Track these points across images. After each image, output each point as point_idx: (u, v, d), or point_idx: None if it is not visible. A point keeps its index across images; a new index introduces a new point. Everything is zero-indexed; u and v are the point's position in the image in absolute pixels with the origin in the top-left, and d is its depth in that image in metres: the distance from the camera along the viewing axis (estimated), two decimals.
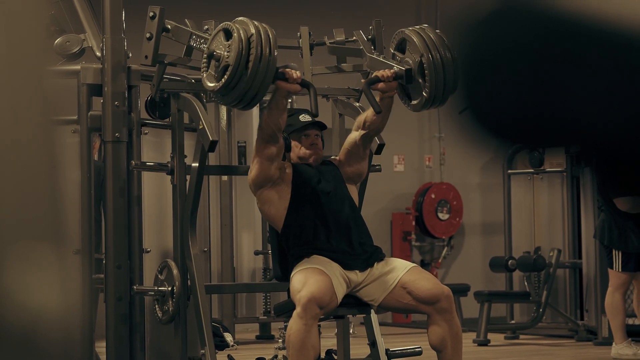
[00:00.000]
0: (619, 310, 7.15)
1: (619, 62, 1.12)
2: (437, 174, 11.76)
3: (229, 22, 4.27)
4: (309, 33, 5.04)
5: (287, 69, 4.38)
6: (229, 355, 6.93)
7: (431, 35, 4.54)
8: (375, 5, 11.21)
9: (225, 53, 4.21)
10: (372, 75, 4.55)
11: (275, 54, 4.22)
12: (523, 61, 1.14)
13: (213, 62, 4.27)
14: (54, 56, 4.91)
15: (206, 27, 4.82)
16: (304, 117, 4.70)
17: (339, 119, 5.19)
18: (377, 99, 4.51)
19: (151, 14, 4.66)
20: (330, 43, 5.08)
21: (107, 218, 4.87)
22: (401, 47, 4.66)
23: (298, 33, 5.04)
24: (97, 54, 5.02)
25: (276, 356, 6.34)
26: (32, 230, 1.11)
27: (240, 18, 4.28)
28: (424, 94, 4.51)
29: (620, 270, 7.09)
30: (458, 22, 1.17)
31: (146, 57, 4.64)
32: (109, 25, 4.88)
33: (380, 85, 4.49)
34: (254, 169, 4.52)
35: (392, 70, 4.51)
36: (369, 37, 5.06)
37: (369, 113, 4.60)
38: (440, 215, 11.47)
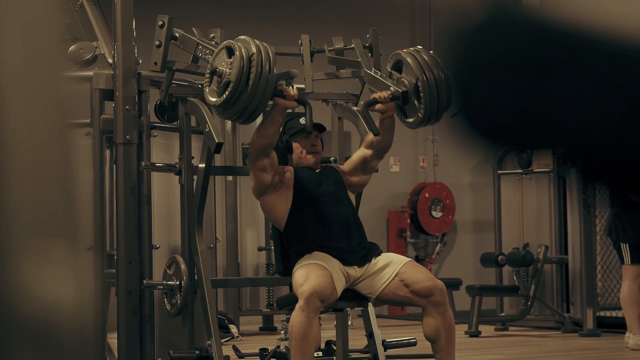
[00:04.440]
0: (636, 301, 7.01)
1: (607, 69, 1.12)
2: (431, 174, 11.76)
3: (231, 41, 4.28)
4: (310, 41, 5.04)
5: (285, 87, 4.40)
6: (233, 346, 6.93)
7: (425, 57, 4.55)
8: (372, 14, 11.21)
9: (227, 70, 4.22)
10: (371, 98, 4.55)
11: (275, 71, 4.23)
12: (512, 68, 1.14)
13: (215, 78, 4.27)
14: (68, 63, 4.91)
15: (212, 35, 4.82)
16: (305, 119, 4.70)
17: (338, 122, 5.20)
18: (378, 120, 4.54)
19: (160, 22, 4.66)
20: (329, 50, 5.08)
21: (119, 216, 4.87)
22: (397, 66, 4.67)
23: (299, 41, 5.04)
24: (109, 60, 5.02)
25: (279, 347, 6.34)
26: (47, 228, 1.11)
27: (243, 37, 4.28)
28: (420, 114, 4.54)
29: (630, 263, 6.97)
30: (450, 30, 1.17)
31: (155, 63, 4.64)
32: (120, 33, 4.88)
33: (378, 106, 4.51)
34: (252, 181, 4.56)
35: (389, 92, 4.52)
36: (366, 44, 5.06)
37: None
38: (433, 213, 11.47)
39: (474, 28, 1.16)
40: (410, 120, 4.62)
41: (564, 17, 1.13)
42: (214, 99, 4.26)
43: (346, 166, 4.75)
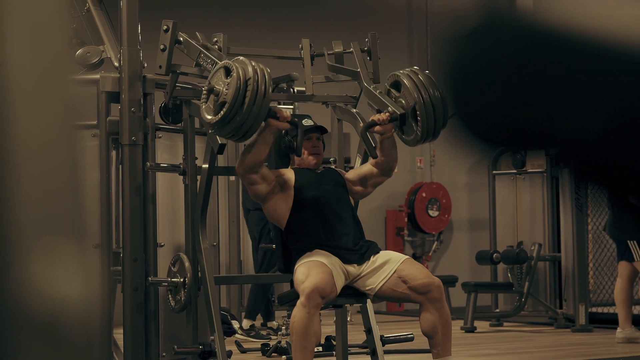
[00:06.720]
0: (630, 298, 7.00)
1: (598, 72, 1.12)
2: (428, 175, 11.76)
3: (229, 61, 4.26)
4: (310, 45, 5.04)
5: (279, 108, 4.40)
6: (236, 341, 6.93)
7: (421, 78, 4.54)
8: (371, 19, 11.21)
9: (224, 89, 4.20)
10: (369, 120, 4.55)
11: (270, 92, 4.22)
12: (507, 71, 1.14)
13: (212, 97, 4.27)
14: (75, 66, 4.91)
15: (215, 39, 4.82)
16: (307, 122, 4.71)
17: (338, 123, 5.20)
18: (378, 139, 4.55)
19: (165, 27, 4.66)
20: (329, 54, 5.08)
21: (124, 215, 4.87)
22: (395, 86, 4.66)
23: (300, 45, 5.04)
24: (115, 64, 5.02)
25: (280, 342, 6.34)
26: (55, 226, 1.11)
27: (241, 58, 4.27)
28: (417, 133, 4.54)
29: (639, 259, 6.89)
30: (446, 36, 1.17)
31: (160, 67, 4.64)
32: (126, 37, 4.87)
33: (377, 128, 4.51)
34: (249, 193, 4.57)
35: (387, 114, 4.52)
36: (365, 48, 5.06)
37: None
38: (430, 212, 11.46)
39: (470, 32, 1.16)
40: (408, 138, 4.64)
41: (556, 22, 1.13)
42: (209, 117, 4.26)
43: (352, 174, 4.76)
